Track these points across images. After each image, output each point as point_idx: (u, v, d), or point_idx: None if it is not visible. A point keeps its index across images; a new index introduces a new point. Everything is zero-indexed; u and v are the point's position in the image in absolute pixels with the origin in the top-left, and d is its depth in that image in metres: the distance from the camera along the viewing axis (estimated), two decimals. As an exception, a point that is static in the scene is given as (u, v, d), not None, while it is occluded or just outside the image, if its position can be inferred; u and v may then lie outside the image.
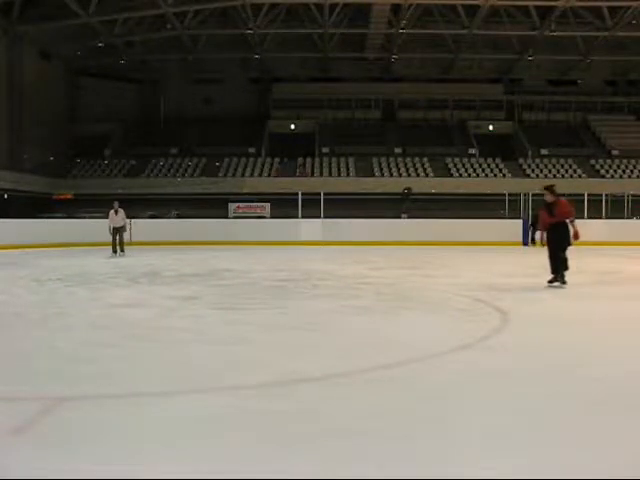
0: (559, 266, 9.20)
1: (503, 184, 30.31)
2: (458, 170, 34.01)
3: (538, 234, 10.82)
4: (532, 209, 22.76)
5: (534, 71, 38.70)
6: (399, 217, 26.86)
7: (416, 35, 33.38)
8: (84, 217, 26.76)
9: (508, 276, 11.35)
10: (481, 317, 6.65)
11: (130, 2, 28.53)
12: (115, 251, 16.61)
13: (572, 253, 9.50)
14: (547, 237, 9.40)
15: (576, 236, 9.20)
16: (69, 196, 31.61)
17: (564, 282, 9.12)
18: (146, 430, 3.20)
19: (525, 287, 9.65)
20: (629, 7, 29.38)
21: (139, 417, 3.43)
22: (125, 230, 17.14)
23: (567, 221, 9.24)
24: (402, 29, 31.83)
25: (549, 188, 9.50)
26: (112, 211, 16.65)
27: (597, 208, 24.62)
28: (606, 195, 25.40)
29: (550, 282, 9.17)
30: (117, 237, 16.84)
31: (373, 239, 22.47)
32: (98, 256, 16.45)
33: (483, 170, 33.98)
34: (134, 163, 34.40)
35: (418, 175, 33.49)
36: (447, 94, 39.02)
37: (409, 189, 30.54)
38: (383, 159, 34.76)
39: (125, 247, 16.93)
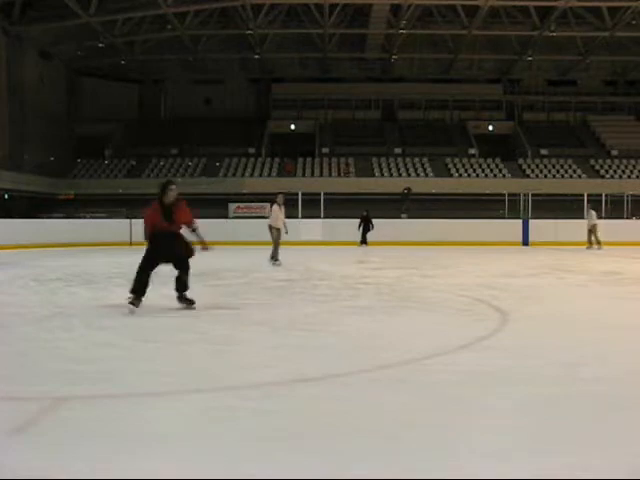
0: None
1: (503, 184, 30.33)
2: (458, 170, 34.01)
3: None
4: (365, 210, 22.82)
5: (534, 71, 38.72)
6: (399, 217, 26.86)
7: (416, 35, 33.39)
8: (84, 217, 26.79)
9: (508, 276, 11.35)
10: (481, 317, 6.65)
11: (130, 2, 28.52)
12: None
13: (572, 253, 9.48)
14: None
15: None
16: (72, 196, 31.64)
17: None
18: (146, 430, 3.20)
19: (525, 287, 9.65)
20: (629, 7, 29.39)
21: (139, 417, 3.43)
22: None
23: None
24: (402, 29, 31.84)
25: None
26: (275, 206, 13.64)
27: (597, 208, 24.60)
28: (606, 195, 25.41)
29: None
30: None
31: (373, 239, 22.48)
32: (98, 256, 16.46)
33: (483, 170, 33.98)
34: (134, 163, 34.41)
35: (418, 175, 33.49)
36: (447, 94, 39.03)
37: (409, 189, 30.54)
38: (383, 159, 34.76)
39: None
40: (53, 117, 33.92)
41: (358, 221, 22.63)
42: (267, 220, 14.09)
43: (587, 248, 20.32)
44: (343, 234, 23.09)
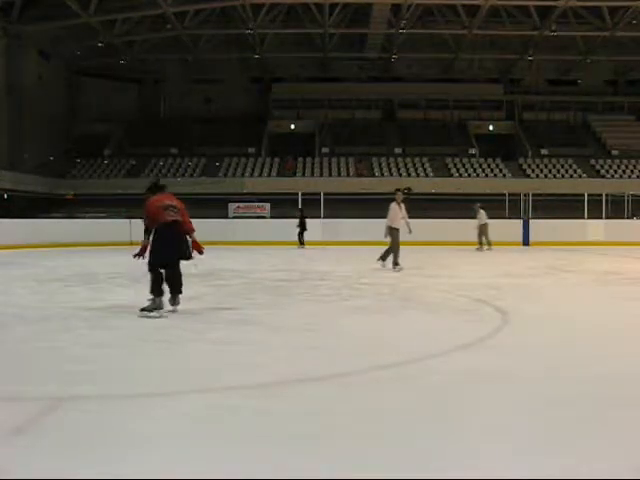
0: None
1: (503, 184, 30.32)
2: (458, 170, 34.01)
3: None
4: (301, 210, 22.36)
5: (534, 71, 38.70)
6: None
7: (416, 35, 33.38)
8: (84, 217, 26.78)
9: (508, 276, 11.35)
10: (481, 317, 6.65)
11: (130, 2, 28.51)
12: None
13: (572, 253, 9.47)
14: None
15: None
16: (72, 196, 31.64)
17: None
18: (146, 430, 3.20)
19: (525, 287, 9.65)
20: (629, 7, 29.39)
21: (139, 417, 3.43)
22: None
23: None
24: (402, 29, 31.83)
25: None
26: (394, 204, 12.69)
27: (597, 208, 24.62)
28: (606, 195, 25.40)
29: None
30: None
31: (373, 239, 22.44)
32: (98, 256, 16.45)
33: (483, 170, 33.98)
34: (134, 163, 34.39)
35: (418, 175, 33.48)
36: (447, 94, 39.01)
37: (409, 189, 30.49)
38: (383, 159, 34.75)
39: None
40: (52, 117, 33.90)
41: (297, 221, 21.85)
42: (384, 220, 12.47)
43: (477, 249, 19.33)
44: (343, 234, 23.08)
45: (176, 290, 6.75)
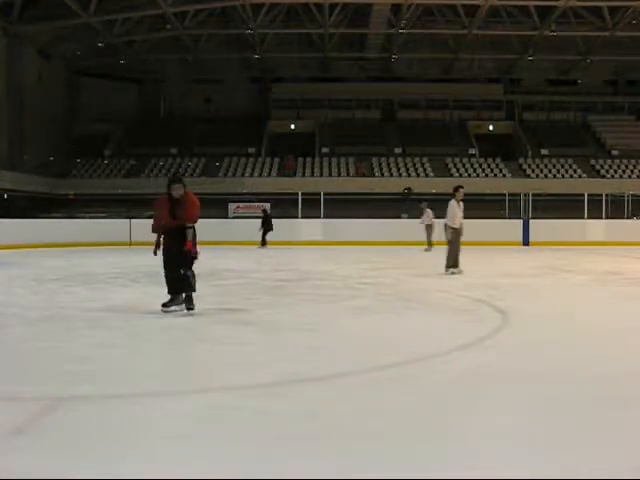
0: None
1: (503, 184, 30.31)
2: (458, 170, 34.00)
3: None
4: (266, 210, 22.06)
5: (534, 71, 38.67)
6: (399, 217, 26.84)
7: (416, 35, 33.37)
8: (84, 217, 26.77)
9: (508, 276, 11.35)
10: (481, 317, 6.65)
11: (130, 2, 28.50)
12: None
13: (572, 253, 9.44)
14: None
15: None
16: (73, 196, 31.64)
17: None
18: (146, 430, 3.20)
19: (525, 287, 9.65)
20: (629, 7, 29.37)
21: (139, 417, 3.43)
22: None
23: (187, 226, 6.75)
24: (402, 29, 31.82)
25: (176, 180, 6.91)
26: (453, 201, 11.74)
27: (597, 208, 24.61)
28: (606, 195, 25.39)
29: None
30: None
31: (373, 239, 22.47)
32: (98, 256, 16.45)
33: (483, 170, 33.97)
34: (134, 163, 34.38)
35: (418, 175, 33.47)
36: (447, 94, 39.00)
37: (409, 189, 30.53)
38: (383, 159, 34.75)
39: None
40: (52, 117, 33.89)
41: (260, 221, 21.62)
42: (443, 220, 11.75)
43: (425, 250, 18.73)
44: (343, 234, 23.08)
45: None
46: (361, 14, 31.06)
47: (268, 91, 39.18)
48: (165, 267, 6.84)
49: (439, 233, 18.80)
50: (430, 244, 18.88)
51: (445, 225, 11.55)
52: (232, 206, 29.16)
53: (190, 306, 6.62)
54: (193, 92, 39.49)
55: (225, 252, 17.77)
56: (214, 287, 9.46)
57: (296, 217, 24.01)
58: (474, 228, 23.14)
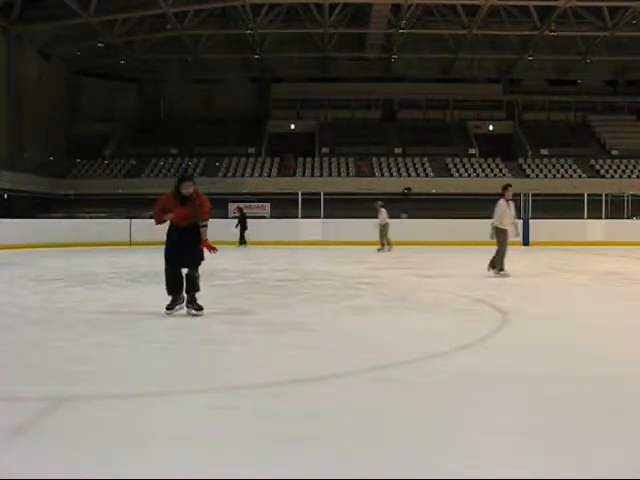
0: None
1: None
2: (458, 170, 34.01)
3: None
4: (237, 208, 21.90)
5: (534, 71, 38.70)
6: (399, 217, 26.84)
7: (416, 35, 33.39)
8: (84, 217, 26.77)
9: (508, 276, 11.33)
10: (481, 317, 6.64)
11: (130, 2, 28.51)
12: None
13: (572, 253, 9.41)
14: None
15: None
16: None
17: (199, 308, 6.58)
18: (146, 430, 3.20)
19: (525, 287, 9.65)
20: (629, 7, 29.39)
21: (139, 417, 3.43)
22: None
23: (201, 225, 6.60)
24: (402, 29, 31.84)
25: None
26: (502, 201, 11.41)
27: (597, 208, 24.60)
28: (606, 195, 25.39)
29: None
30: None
31: (373, 239, 22.45)
32: (98, 256, 16.45)
33: (483, 170, 33.98)
34: (134, 163, 34.40)
35: (418, 175, 33.49)
36: (447, 94, 39.03)
37: (409, 189, 30.54)
38: (383, 159, 34.76)
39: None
40: (52, 117, 33.90)
41: (236, 221, 21.83)
42: (491, 220, 11.15)
43: (378, 250, 18.44)
44: (343, 234, 23.07)
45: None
46: (361, 14, 31.09)
47: (268, 91, 39.20)
48: (168, 267, 6.62)
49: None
50: (383, 244, 18.73)
51: (492, 225, 10.95)
52: (232, 206, 29.15)
53: (196, 306, 6.51)
54: (193, 92, 39.51)
55: (225, 252, 17.77)
56: (214, 287, 9.45)
57: (296, 217, 24.01)
58: (474, 228, 23.30)
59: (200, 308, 6.54)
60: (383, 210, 19.05)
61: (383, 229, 18.87)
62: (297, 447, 2.94)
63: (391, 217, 20.40)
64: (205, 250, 6.63)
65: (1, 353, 5.06)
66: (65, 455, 2.84)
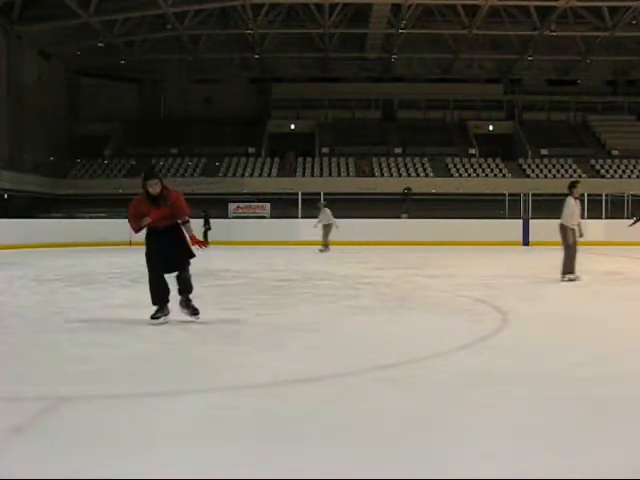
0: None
1: (503, 184, 30.31)
2: (458, 170, 34.01)
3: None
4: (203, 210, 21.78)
5: (534, 71, 38.68)
6: (399, 217, 26.85)
7: (416, 35, 33.37)
8: (84, 217, 26.78)
9: (508, 276, 11.36)
10: (481, 317, 6.64)
11: (130, 2, 28.51)
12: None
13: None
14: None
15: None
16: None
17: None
18: (146, 430, 3.20)
19: (525, 287, 9.65)
20: (629, 7, 29.37)
21: (139, 417, 3.43)
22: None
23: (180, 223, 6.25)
24: (402, 29, 31.83)
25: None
26: (571, 198, 10.35)
27: (597, 208, 24.60)
28: (606, 195, 25.38)
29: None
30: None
31: (373, 239, 22.47)
32: (98, 256, 16.45)
33: (483, 170, 33.98)
34: (134, 163, 34.38)
35: (418, 175, 33.48)
36: (447, 94, 39.01)
37: (409, 189, 30.53)
38: (383, 159, 34.76)
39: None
40: (52, 117, 33.88)
41: (202, 221, 21.65)
42: (559, 220, 10.43)
43: (320, 250, 18.22)
44: (343, 234, 23.06)
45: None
46: (361, 14, 31.07)
47: (268, 91, 39.18)
48: (151, 274, 6.17)
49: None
50: (326, 244, 18.53)
51: (561, 226, 10.15)
52: (232, 206, 29.17)
53: (190, 310, 6.14)
54: (193, 92, 39.50)
55: (225, 252, 17.77)
56: (214, 287, 9.46)
57: (296, 217, 24.01)
58: (474, 228, 23.31)
59: (196, 312, 6.13)
60: (327, 210, 18.80)
61: (326, 229, 18.60)
62: (297, 447, 2.94)
63: (391, 217, 20.46)
64: (195, 247, 6.27)
65: (1, 353, 5.06)
66: (65, 455, 2.84)
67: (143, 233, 6.37)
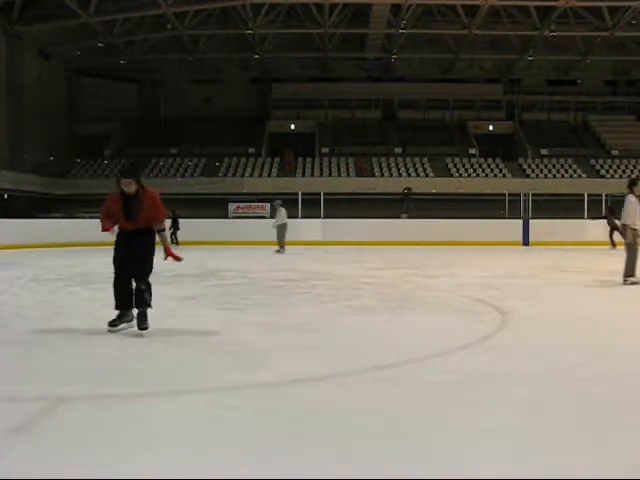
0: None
1: (503, 184, 30.33)
2: (458, 170, 34.01)
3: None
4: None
5: (534, 71, 38.69)
6: (399, 217, 26.86)
7: (416, 35, 33.37)
8: (84, 217, 26.76)
9: (508, 276, 11.35)
10: (481, 317, 6.64)
11: (130, 2, 28.51)
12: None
13: (572, 253, 9.38)
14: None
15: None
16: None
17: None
18: (146, 430, 3.20)
19: (525, 287, 9.65)
20: (629, 7, 29.38)
21: (139, 417, 3.43)
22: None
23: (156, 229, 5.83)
24: (402, 29, 31.83)
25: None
26: (632, 197, 9.93)
27: (597, 208, 24.61)
28: (606, 195, 25.40)
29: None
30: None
31: (373, 239, 22.48)
32: (98, 256, 16.44)
33: (483, 170, 33.98)
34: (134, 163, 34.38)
35: (418, 175, 33.49)
36: (447, 94, 39.01)
37: (409, 189, 30.53)
38: (383, 159, 34.76)
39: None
40: (52, 117, 33.87)
41: (170, 221, 21.49)
42: (620, 221, 10.02)
43: (277, 251, 18.05)
44: (343, 234, 23.09)
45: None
46: (361, 14, 31.07)
47: (268, 91, 39.19)
48: (117, 278, 5.75)
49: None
50: (281, 245, 18.39)
51: (623, 226, 9.66)
52: (232, 206, 29.18)
53: (144, 325, 5.52)
54: (193, 92, 39.50)
55: (225, 252, 17.78)
56: (213, 287, 9.46)
57: (296, 217, 24.01)
58: (474, 228, 23.32)
59: (144, 328, 5.52)
60: (282, 210, 18.57)
61: (280, 229, 18.42)
62: (297, 447, 2.94)
63: (391, 217, 20.47)
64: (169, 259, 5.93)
65: (1, 353, 5.05)
66: (65, 455, 2.84)
67: None
